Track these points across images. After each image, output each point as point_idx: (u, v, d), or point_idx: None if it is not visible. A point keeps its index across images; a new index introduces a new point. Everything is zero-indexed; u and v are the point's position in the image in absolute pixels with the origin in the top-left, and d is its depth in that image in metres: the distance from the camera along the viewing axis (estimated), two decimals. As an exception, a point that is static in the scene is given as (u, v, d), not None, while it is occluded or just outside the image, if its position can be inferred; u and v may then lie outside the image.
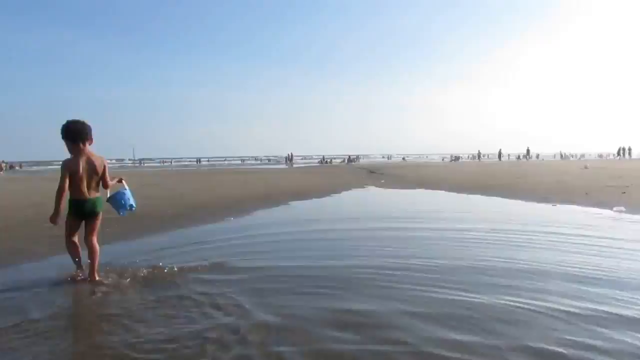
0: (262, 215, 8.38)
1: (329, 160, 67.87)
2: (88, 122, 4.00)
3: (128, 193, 4.21)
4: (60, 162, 3.99)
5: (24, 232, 6.50)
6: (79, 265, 4.02)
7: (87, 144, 3.80)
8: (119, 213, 4.24)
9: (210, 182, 17.69)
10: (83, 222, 4.00)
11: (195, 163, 78.69)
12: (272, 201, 10.47)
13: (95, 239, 3.99)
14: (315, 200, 10.98)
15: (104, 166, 3.93)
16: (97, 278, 3.96)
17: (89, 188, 3.87)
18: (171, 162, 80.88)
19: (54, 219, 3.79)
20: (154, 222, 7.41)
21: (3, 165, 44.40)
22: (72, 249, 3.98)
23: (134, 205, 4.23)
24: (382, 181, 17.50)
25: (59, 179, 3.81)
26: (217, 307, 3.43)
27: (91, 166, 3.87)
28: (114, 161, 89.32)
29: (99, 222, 3.99)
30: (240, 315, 3.26)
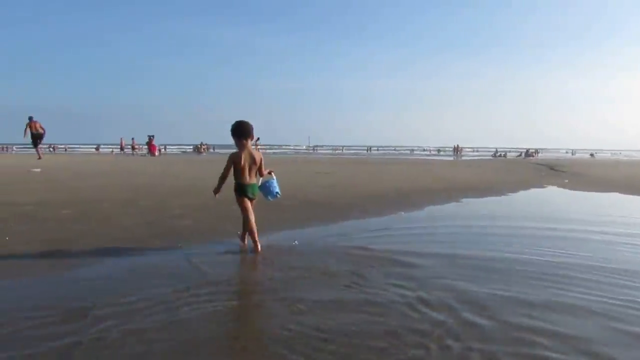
0: (433, 211, 8.23)
1: (502, 153, 63.68)
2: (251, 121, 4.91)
3: (275, 182, 5.06)
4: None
5: (218, 211, 7.30)
6: (253, 238, 4.87)
7: (249, 140, 4.73)
8: (267, 198, 5.07)
9: (380, 173, 17.94)
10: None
11: (365, 151, 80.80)
12: (442, 196, 10.20)
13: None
14: (489, 199, 10.34)
15: (261, 159, 4.90)
16: (259, 249, 4.83)
17: (249, 175, 4.81)
18: (342, 149, 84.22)
19: (215, 192, 4.90)
20: (326, 211, 7.78)
21: (203, 147, 51.53)
22: (250, 224, 4.81)
23: (279, 192, 5.09)
24: (566, 181, 15.75)
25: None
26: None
27: (251, 158, 4.81)
28: (291, 147, 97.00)
29: (254, 203, 4.93)
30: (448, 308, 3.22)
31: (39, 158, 22.15)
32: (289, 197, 9.32)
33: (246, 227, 4.89)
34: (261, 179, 5.05)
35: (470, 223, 7.00)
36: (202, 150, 53.19)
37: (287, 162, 26.90)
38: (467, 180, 14.79)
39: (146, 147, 41.34)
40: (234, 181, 4.85)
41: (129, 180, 12.91)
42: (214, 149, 61.98)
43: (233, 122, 4.87)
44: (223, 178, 4.80)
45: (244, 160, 4.79)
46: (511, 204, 9.76)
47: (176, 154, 54.82)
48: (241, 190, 4.83)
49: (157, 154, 37.88)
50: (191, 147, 69.01)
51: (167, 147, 70.51)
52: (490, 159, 44.72)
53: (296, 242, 5.37)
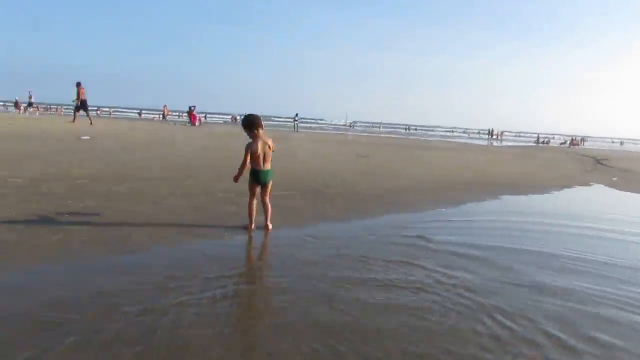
0: (472, 208, 8.15)
1: (545, 140, 61.81)
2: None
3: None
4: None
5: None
6: (251, 221, 5.47)
7: (259, 130, 5.32)
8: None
9: (417, 160, 17.82)
10: (259, 188, 5.57)
11: (404, 130, 79.73)
12: (479, 191, 10.08)
13: (268, 199, 5.60)
14: (531, 196, 10.12)
15: (273, 147, 5.47)
16: (270, 227, 5.52)
17: (264, 162, 5.40)
18: (380, 127, 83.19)
19: (236, 179, 5.35)
20: (364, 202, 7.86)
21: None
22: (251, 208, 5.48)
23: None
24: (614, 178, 15.09)
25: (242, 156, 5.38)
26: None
27: (265, 146, 5.37)
28: (328, 123, 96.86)
29: (270, 186, 5.56)
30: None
31: (91, 123, 22.87)
32: (329, 183, 9.55)
33: (249, 207, 5.48)
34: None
35: (527, 227, 6.89)
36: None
37: (328, 141, 26.86)
38: (508, 174, 14.54)
39: (187, 115, 42.05)
40: (250, 168, 5.47)
41: (173, 153, 13.32)
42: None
43: (246, 114, 5.60)
44: (242, 166, 5.32)
45: (260, 149, 5.34)
46: (559, 204, 9.52)
47: (217, 122, 55.71)
48: (255, 177, 5.45)
49: (197, 123, 38.47)
50: (229, 116, 70.40)
51: (207, 115, 71.49)
52: (532, 146, 43.56)
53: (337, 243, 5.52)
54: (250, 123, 5.43)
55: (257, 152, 5.39)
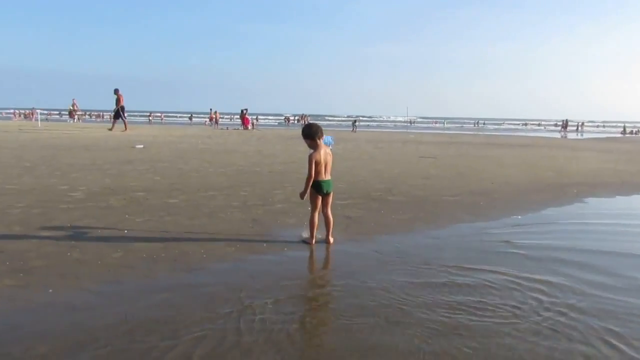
0: (556, 213, 7.79)
1: (635, 130, 58.38)
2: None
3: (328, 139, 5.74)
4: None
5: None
6: (312, 235, 5.53)
7: (320, 139, 5.40)
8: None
9: (488, 159, 17.18)
10: (320, 199, 5.59)
11: (472, 125, 77.52)
12: (560, 192, 9.64)
13: (330, 211, 5.63)
14: (621, 198, 9.55)
15: (331, 155, 5.60)
16: (331, 241, 5.57)
17: (325, 172, 5.49)
18: (444, 123, 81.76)
19: (302, 195, 5.44)
20: (431, 210, 7.68)
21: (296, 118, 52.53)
22: (313, 222, 5.53)
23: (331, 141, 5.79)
24: None
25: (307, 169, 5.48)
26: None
27: (326, 156, 5.48)
28: (387, 119, 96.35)
29: (331, 197, 5.63)
30: None
31: (125, 129, 23.75)
32: (393, 189, 9.45)
33: (311, 221, 5.52)
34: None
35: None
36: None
37: (389, 141, 26.60)
38: (591, 172, 13.77)
39: (239, 119, 42.94)
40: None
41: (228, 160, 13.69)
42: (307, 119, 63.55)
43: (306, 124, 5.96)
44: (309, 180, 5.38)
45: (322, 158, 5.43)
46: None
47: (270, 125, 56.65)
48: (318, 187, 5.48)
49: (250, 127, 39.22)
50: (282, 117, 71.58)
51: (259, 117, 72.85)
52: (619, 138, 41.24)
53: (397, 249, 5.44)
54: (312, 132, 5.50)
55: (320, 162, 5.48)
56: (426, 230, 6.47)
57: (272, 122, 71.17)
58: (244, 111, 40.54)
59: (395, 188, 9.74)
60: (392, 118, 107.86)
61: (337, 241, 5.71)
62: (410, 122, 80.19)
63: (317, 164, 5.47)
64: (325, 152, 5.53)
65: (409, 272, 4.71)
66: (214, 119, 46.42)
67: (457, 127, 71.83)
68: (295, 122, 68.79)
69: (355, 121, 47.82)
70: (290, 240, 5.72)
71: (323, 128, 5.59)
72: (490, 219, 7.24)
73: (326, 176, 5.58)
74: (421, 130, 49.40)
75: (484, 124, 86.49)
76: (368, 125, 69.96)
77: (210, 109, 49.30)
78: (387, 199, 8.58)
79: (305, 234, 5.76)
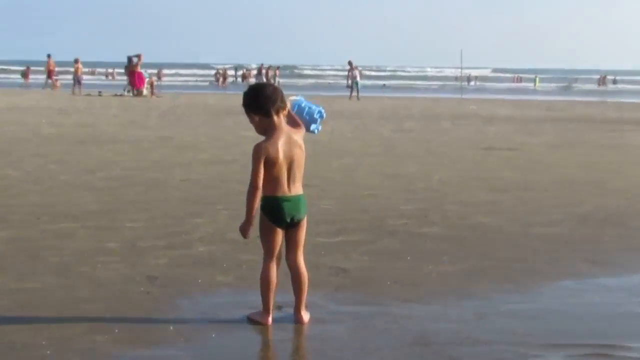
0: None
1: None
2: None
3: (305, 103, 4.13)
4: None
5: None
6: (267, 306, 3.92)
7: (281, 114, 3.88)
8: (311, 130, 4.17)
9: (622, 151, 13.00)
10: (281, 234, 4.07)
11: (595, 85, 56.70)
12: None
13: (300, 258, 3.95)
14: None
15: (302, 146, 4.02)
16: (304, 317, 3.89)
17: (289, 180, 3.91)
18: (535, 81, 60.22)
19: (245, 230, 3.91)
20: (509, 256, 5.40)
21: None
22: (266, 280, 3.94)
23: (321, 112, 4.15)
24: None
25: None
26: None
27: (290, 148, 3.90)
28: (425, 71, 77.16)
29: (303, 230, 4.06)
30: None
31: None
32: (430, 216, 6.75)
33: (263, 277, 3.85)
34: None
35: None
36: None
37: (428, 117, 20.38)
38: None
39: (124, 74, 32.65)
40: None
41: (98, 160, 10.90)
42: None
43: (250, 85, 4.26)
44: (253, 195, 3.69)
45: (282, 154, 3.72)
46: None
47: (192, 87, 45.36)
48: (274, 211, 3.77)
49: (146, 91, 29.03)
50: (213, 73, 57.07)
51: (164, 72, 55.07)
52: None
53: None
54: (262, 100, 3.81)
55: (277, 160, 3.76)
56: (501, 298, 4.38)
57: (193, 82, 53.00)
58: (134, 60, 28.70)
59: (435, 210, 6.93)
60: (431, 71, 78.71)
61: (316, 318, 3.87)
62: (469, 80, 57.19)
63: (272, 163, 3.75)
64: (289, 141, 3.78)
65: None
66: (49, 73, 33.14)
67: (561, 87, 55.19)
68: (240, 80, 52.20)
69: (352, 73, 31.33)
70: (223, 319, 3.89)
71: (303, 94, 4.35)
72: (628, 272, 5.11)
73: (292, 189, 3.79)
74: (488, 95, 37.60)
75: (614, 80, 63.88)
76: (384, 85, 52.47)
77: (49, 57, 34.38)
78: (419, 231, 6.07)
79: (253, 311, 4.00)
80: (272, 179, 3.69)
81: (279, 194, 3.71)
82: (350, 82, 31.07)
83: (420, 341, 3.51)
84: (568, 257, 5.37)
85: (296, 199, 3.76)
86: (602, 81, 60.96)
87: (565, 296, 4.40)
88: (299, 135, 3.83)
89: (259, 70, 43.49)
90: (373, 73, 67.27)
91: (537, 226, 6.38)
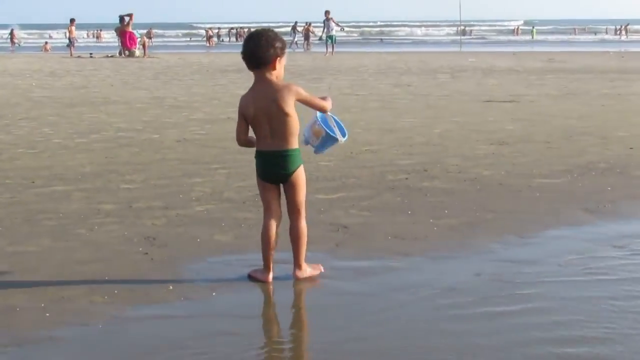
0: None
1: None
2: None
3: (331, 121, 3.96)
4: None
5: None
6: (267, 263, 3.98)
7: (270, 67, 3.73)
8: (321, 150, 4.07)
9: (627, 101, 12.55)
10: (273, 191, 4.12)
11: (612, 33, 52.95)
12: None
13: (296, 216, 3.93)
14: None
15: (297, 91, 3.89)
16: (301, 274, 3.87)
17: (269, 133, 4.00)
18: (532, 32, 57.59)
19: None
20: (509, 206, 5.39)
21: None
22: (266, 235, 3.94)
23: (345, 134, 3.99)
24: None
25: None
26: None
27: (263, 100, 3.89)
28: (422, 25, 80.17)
29: (297, 187, 4.00)
30: None
31: None
32: (430, 170, 6.74)
33: (262, 233, 3.87)
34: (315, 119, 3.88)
35: None
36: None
37: (426, 72, 19.64)
38: None
39: (115, 35, 31.60)
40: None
41: (92, 121, 10.73)
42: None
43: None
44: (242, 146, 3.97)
45: (253, 106, 3.69)
46: None
47: (180, 45, 42.73)
48: (256, 165, 3.87)
49: (138, 51, 28.44)
50: (203, 32, 55.70)
51: (154, 31, 53.62)
52: None
53: None
54: (251, 46, 3.71)
55: (249, 114, 3.76)
56: (503, 249, 4.40)
57: (182, 42, 52.54)
58: (126, 20, 27.95)
59: (436, 164, 6.93)
60: (428, 28, 74.18)
61: (317, 275, 3.87)
62: (464, 32, 53.01)
63: (246, 117, 3.81)
64: (264, 96, 3.69)
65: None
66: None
67: (565, 39, 51.60)
68: (232, 39, 50.42)
69: (328, 25, 28.39)
70: (222, 278, 3.88)
71: None
72: (632, 218, 5.11)
73: (271, 144, 3.76)
74: (487, 48, 37.69)
75: (623, 28, 57.54)
76: (381, 40, 53.46)
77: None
78: (420, 186, 6.05)
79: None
80: (255, 133, 3.77)
81: (258, 148, 3.76)
82: (324, 35, 28.39)
83: (433, 299, 3.50)
84: (569, 207, 5.39)
85: (275, 154, 3.69)
86: (620, 30, 56.55)
87: (577, 248, 4.35)
88: (285, 92, 3.63)
89: (294, 27, 41.22)
90: (370, 29, 66.29)
91: (538, 178, 6.39)
